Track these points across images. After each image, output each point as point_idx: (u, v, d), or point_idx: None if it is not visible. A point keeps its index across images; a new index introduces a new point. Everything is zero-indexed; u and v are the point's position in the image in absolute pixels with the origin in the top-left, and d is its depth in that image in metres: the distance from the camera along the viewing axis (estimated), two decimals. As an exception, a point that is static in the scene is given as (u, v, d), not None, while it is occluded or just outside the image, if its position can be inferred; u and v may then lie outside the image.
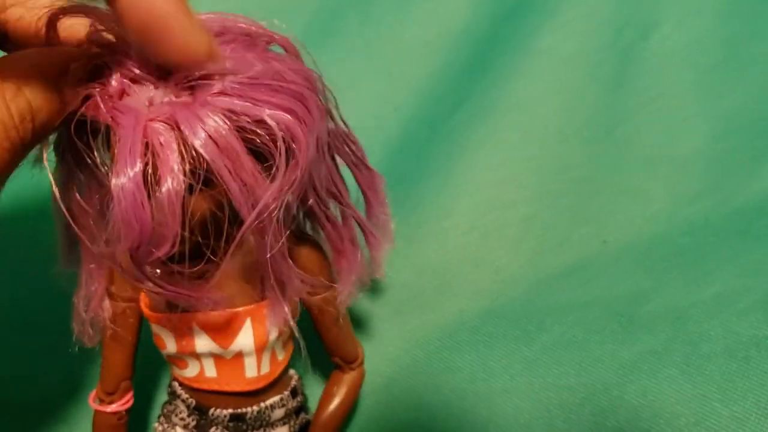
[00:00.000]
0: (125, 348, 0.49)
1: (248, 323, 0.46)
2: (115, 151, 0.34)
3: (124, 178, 0.33)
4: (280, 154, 0.36)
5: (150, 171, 0.33)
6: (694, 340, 0.47)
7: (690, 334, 0.47)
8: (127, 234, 0.34)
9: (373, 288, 0.57)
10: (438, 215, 0.59)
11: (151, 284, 0.38)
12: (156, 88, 0.36)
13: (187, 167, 0.34)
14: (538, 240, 0.57)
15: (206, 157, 0.34)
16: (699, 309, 0.50)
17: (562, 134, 0.59)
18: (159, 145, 0.34)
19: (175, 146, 0.34)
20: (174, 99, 0.36)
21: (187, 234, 0.37)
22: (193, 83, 0.35)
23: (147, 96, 0.35)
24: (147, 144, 0.34)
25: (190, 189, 0.35)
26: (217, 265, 0.40)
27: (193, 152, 0.34)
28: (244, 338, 0.46)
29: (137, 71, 0.35)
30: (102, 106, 0.34)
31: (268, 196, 0.37)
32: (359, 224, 0.47)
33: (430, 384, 0.54)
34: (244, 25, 0.39)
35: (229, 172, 0.35)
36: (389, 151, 0.61)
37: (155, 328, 0.45)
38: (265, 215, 0.37)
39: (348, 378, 0.53)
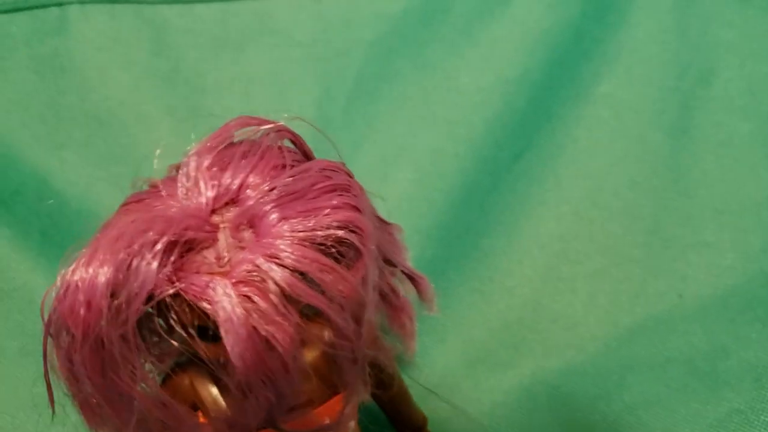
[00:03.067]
0: None
1: (326, 422, 0.43)
2: (221, 332, 0.32)
3: (242, 355, 0.32)
4: (356, 249, 0.36)
5: (259, 336, 0.32)
6: (779, 398, 0.46)
7: (774, 390, 0.47)
8: (263, 407, 0.33)
9: (445, 348, 0.55)
10: (507, 270, 0.57)
11: None
12: (215, 240, 0.34)
13: (283, 310, 0.33)
14: (613, 294, 0.56)
15: (301, 294, 0.33)
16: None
17: (630, 182, 0.58)
18: (253, 309, 0.32)
19: (269, 300, 0.32)
20: (238, 243, 0.34)
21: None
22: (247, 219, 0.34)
23: (213, 254, 0.34)
24: (244, 311, 0.32)
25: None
26: None
27: (285, 294, 0.33)
28: None
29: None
30: (187, 293, 0.32)
31: (367, 301, 0.37)
32: (405, 273, 0.45)
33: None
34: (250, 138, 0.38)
35: (324, 295, 0.34)
36: (451, 201, 0.60)
37: None
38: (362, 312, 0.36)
39: (420, 449, 0.52)
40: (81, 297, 0.32)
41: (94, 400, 0.38)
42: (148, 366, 0.37)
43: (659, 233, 0.57)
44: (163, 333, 0.38)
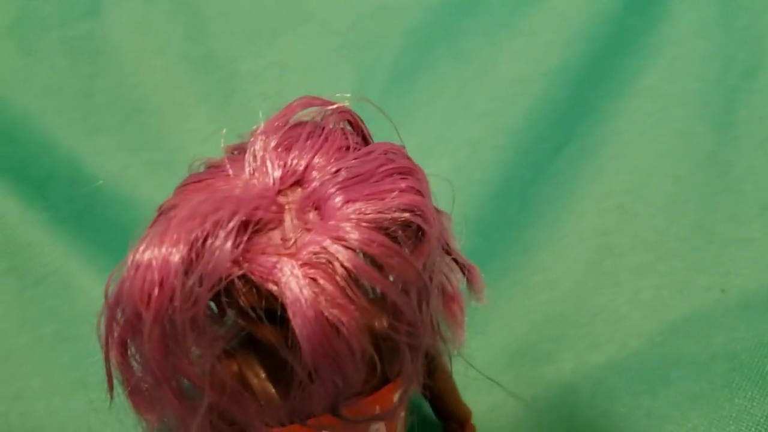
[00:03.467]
0: None
1: (377, 411, 0.43)
2: (288, 314, 0.31)
3: (310, 337, 0.31)
4: (421, 233, 0.35)
5: (326, 319, 0.31)
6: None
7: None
8: (328, 391, 0.33)
9: (487, 341, 0.55)
10: (550, 263, 0.57)
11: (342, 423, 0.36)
12: (281, 222, 0.34)
13: (350, 293, 0.32)
14: (657, 289, 0.55)
15: (367, 277, 0.32)
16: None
17: (674, 176, 0.57)
18: (319, 291, 0.31)
19: (336, 282, 0.32)
20: (304, 225, 0.34)
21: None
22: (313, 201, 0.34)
23: (278, 235, 0.33)
24: (312, 293, 0.32)
25: None
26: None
27: (351, 277, 0.32)
28: (377, 429, 0.43)
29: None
30: (254, 274, 0.32)
31: (435, 284, 0.36)
32: (457, 262, 0.44)
33: (552, 441, 0.52)
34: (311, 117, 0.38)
35: (389, 278, 0.34)
36: (493, 193, 0.59)
37: None
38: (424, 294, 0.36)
39: (464, 439, 0.51)
40: (154, 276, 0.31)
41: (147, 385, 0.38)
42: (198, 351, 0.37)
43: (703, 228, 0.56)
44: (222, 315, 0.37)
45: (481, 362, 0.55)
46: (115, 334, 0.37)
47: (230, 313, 0.39)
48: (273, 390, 0.39)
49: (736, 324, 0.54)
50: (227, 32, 0.64)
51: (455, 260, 0.44)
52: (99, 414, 0.56)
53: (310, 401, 0.34)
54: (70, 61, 0.62)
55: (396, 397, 0.41)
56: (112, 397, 0.38)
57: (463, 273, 0.45)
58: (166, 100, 0.62)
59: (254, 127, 0.37)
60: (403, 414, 0.46)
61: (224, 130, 0.40)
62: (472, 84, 0.62)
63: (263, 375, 0.39)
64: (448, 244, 0.42)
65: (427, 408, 0.52)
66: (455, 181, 0.62)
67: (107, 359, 0.36)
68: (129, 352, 0.38)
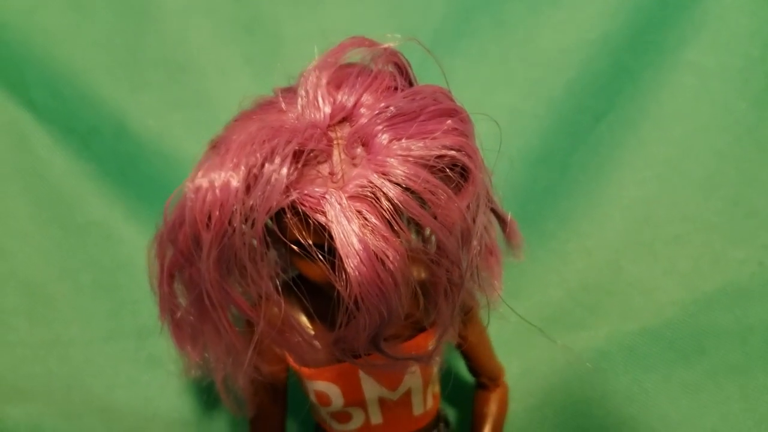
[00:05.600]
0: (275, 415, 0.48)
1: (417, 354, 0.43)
2: (336, 245, 0.33)
3: (358, 268, 0.32)
4: (467, 173, 0.36)
5: (372, 250, 0.32)
6: None
7: None
8: (373, 321, 0.34)
9: (523, 304, 0.55)
10: (587, 231, 0.57)
11: (383, 360, 0.37)
12: (330, 155, 0.35)
13: (396, 227, 0.34)
14: (693, 260, 0.55)
15: (412, 212, 0.34)
16: None
17: (714, 150, 0.57)
18: (365, 223, 0.33)
19: (381, 215, 0.33)
20: (351, 159, 0.35)
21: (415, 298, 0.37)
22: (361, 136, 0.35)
23: (326, 169, 0.35)
24: (359, 225, 0.33)
25: None
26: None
27: (398, 213, 0.34)
28: (413, 375, 0.44)
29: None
30: (304, 204, 0.33)
31: (478, 225, 0.37)
32: (495, 213, 0.45)
33: (583, 407, 0.52)
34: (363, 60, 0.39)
35: (433, 215, 0.35)
36: (531, 160, 0.60)
37: (320, 385, 0.44)
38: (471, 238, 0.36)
39: (495, 396, 0.52)
40: (216, 196, 0.32)
41: (191, 317, 0.39)
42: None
43: (741, 202, 0.56)
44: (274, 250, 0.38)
45: (515, 327, 0.56)
46: (165, 264, 0.38)
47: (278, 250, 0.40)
48: (320, 325, 0.40)
49: (774, 297, 0.54)
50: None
51: (494, 211, 0.45)
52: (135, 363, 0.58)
53: (355, 331, 0.34)
54: (117, 19, 0.62)
55: (431, 344, 0.41)
56: (164, 326, 0.39)
57: (502, 226, 0.46)
58: (210, 61, 0.63)
59: (306, 65, 0.38)
60: (436, 368, 0.47)
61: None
62: (513, 52, 0.62)
63: (311, 311, 0.40)
64: (489, 194, 0.42)
65: (461, 364, 0.52)
66: (494, 148, 0.63)
67: (165, 286, 0.37)
68: (175, 285, 0.39)
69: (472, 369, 0.51)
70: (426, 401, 0.47)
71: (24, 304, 0.58)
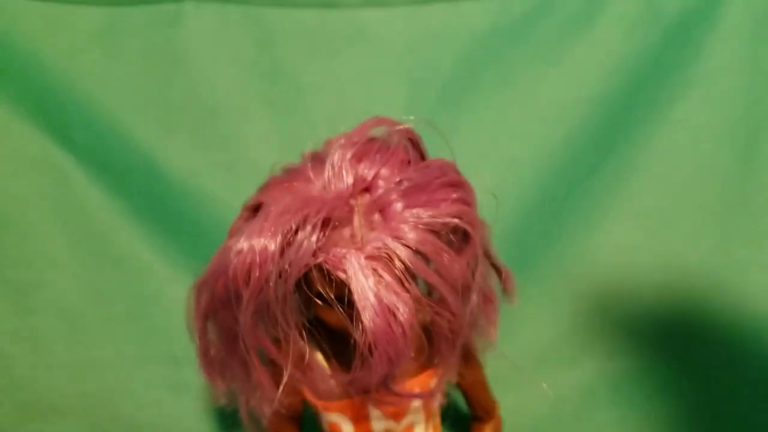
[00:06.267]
0: None
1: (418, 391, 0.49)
2: (354, 298, 0.38)
3: (372, 319, 0.38)
4: (467, 237, 0.42)
5: (385, 304, 0.38)
6: None
7: None
8: (384, 365, 0.39)
9: (517, 343, 0.60)
10: (579, 274, 0.62)
11: (390, 396, 0.43)
12: (351, 221, 0.40)
13: (405, 283, 0.39)
14: (676, 308, 0.60)
15: (421, 271, 0.39)
16: None
17: (699, 203, 0.62)
18: (380, 280, 0.38)
19: (394, 274, 0.39)
20: (369, 224, 0.40)
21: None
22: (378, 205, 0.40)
23: (348, 232, 0.40)
24: (374, 281, 0.38)
25: None
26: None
27: (408, 272, 0.39)
28: (416, 409, 0.49)
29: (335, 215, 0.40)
30: (328, 263, 0.39)
31: (477, 281, 0.42)
32: (494, 266, 0.50)
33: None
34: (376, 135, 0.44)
35: (438, 274, 0.41)
36: (527, 207, 0.64)
37: (333, 417, 0.49)
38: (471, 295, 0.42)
39: (490, 428, 0.57)
40: (255, 259, 0.38)
41: (221, 354, 0.44)
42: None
43: (721, 253, 0.61)
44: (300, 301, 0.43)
45: (509, 363, 0.60)
46: (202, 307, 0.43)
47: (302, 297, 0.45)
48: (336, 364, 0.45)
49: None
50: (292, 47, 0.70)
51: (492, 264, 0.50)
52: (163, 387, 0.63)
53: (368, 372, 0.39)
54: (151, 66, 0.67)
55: (433, 382, 0.47)
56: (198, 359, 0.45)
57: (499, 276, 0.51)
58: (235, 107, 0.68)
59: (331, 137, 0.44)
60: (438, 403, 0.52)
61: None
62: (515, 107, 0.67)
63: (328, 352, 0.45)
64: (487, 249, 0.47)
65: (459, 398, 0.57)
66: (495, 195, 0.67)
67: (200, 326, 0.43)
68: (207, 325, 0.45)
69: (469, 403, 0.56)
70: (428, 432, 0.52)
71: (62, 330, 0.64)
